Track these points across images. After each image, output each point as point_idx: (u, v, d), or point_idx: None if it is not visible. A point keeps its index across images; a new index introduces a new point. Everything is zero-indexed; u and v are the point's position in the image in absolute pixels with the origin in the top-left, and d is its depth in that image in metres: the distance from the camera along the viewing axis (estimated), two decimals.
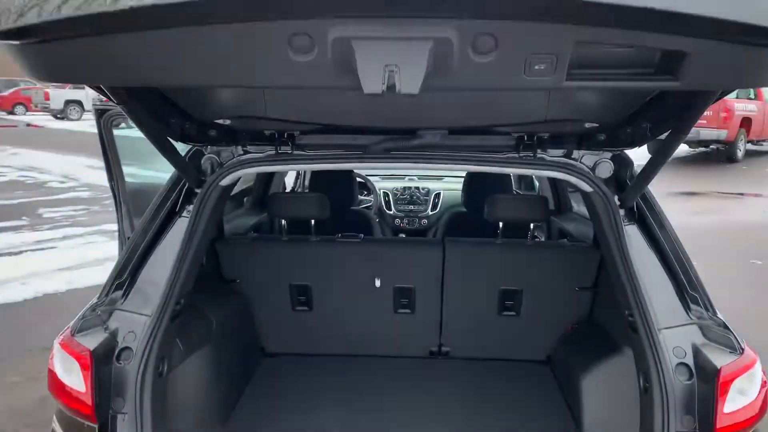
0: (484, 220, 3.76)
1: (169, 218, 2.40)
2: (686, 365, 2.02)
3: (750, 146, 17.79)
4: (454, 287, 3.20)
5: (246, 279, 3.29)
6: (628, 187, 2.28)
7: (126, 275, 2.27)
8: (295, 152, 2.39)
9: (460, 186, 6.00)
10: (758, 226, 9.83)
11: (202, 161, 2.44)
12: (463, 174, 6.50)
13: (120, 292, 2.25)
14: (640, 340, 2.11)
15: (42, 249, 7.97)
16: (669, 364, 2.01)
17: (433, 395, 3.04)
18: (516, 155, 2.35)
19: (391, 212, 5.63)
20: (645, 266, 2.18)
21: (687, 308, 2.13)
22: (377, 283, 2.85)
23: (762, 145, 18.66)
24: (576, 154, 2.38)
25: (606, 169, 2.33)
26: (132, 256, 2.30)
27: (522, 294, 3.20)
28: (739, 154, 16.78)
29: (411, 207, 5.64)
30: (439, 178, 6.34)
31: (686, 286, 2.16)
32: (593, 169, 2.34)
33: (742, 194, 12.74)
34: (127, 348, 2.13)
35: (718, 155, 17.27)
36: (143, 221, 2.40)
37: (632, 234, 2.25)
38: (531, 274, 3.17)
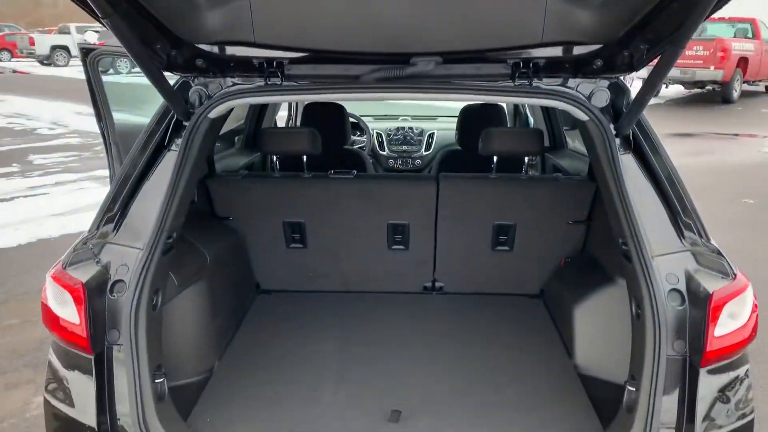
0: (479, 157, 3.73)
1: (158, 152, 2.36)
2: (678, 291, 2.03)
3: (746, 86, 17.64)
4: (448, 223, 3.19)
5: (239, 216, 3.27)
6: (624, 114, 2.25)
7: (116, 208, 2.24)
8: (285, 83, 2.33)
9: (454, 125, 5.97)
10: (752, 166, 9.84)
11: (189, 93, 2.38)
12: (457, 113, 6.45)
13: (111, 226, 2.23)
14: (634, 268, 2.11)
15: (34, 195, 7.92)
16: (662, 290, 2.01)
17: (427, 329, 3.07)
18: (511, 84, 2.30)
19: (385, 153, 5.58)
20: (640, 195, 2.17)
21: (681, 235, 2.12)
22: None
23: (758, 85, 18.51)
24: (572, 83, 2.33)
25: (602, 98, 2.29)
26: (122, 189, 2.27)
27: (515, 229, 3.19)
28: (735, 94, 16.66)
29: (405, 147, 5.58)
30: (433, 118, 6.27)
31: (680, 214, 2.15)
32: (589, 97, 2.29)
33: (737, 135, 12.70)
34: (120, 281, 2.12)
35: (714, 96, 17.15)
36: (132, 154, 2.36)
37: (628, 163, 2.23)
38: (525, 209, 3.16)
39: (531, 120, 4.93)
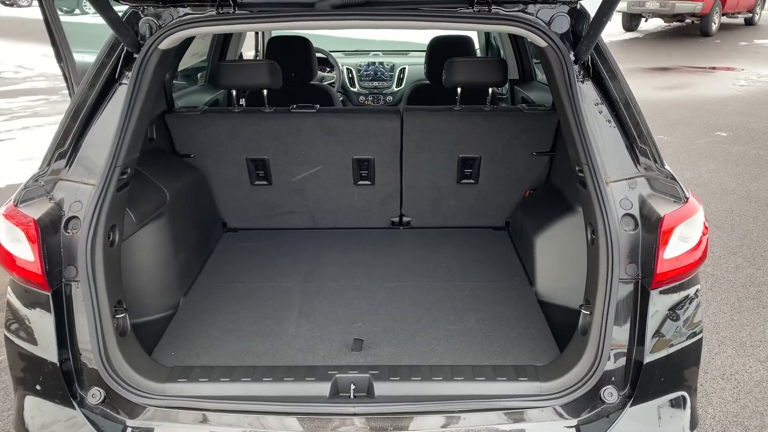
0: (447, 90, 3.68)
1: (108, 85, 2.29)
2: (632, 216, 2.05)
3: (725, 19, 17.50)
4: (414, 157, 3.18)
5: (200, 153, 3.23)
6: (581, 39, 2.22)
7: (68, 144, 2.20)
8: (238, 12, 2.26)
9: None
10: (727, 100, 9.86)
11: (139, 24, 2.30)
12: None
13: (63, 162, 2.19)
14: (589, 194, 2.12)
15: (1, 140, 7.74)
16: (615, 215, 2.04)
17: (392, 264, 3.10)
18: (470, 10, 2.25)
19: (355, 89, 5.50)
20: (597, 121, 2.16)
21: (636, 161, 2.13)
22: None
23: (737, 17, 18.36)
24: (532, 8, 2.29)
25: (562, 24, 2.25)
26: (73, 124, 2.22)
27: (480, 161, 3.19)
28: (713, 27, 16.53)
29: (375, 83, 5.51)
30: (405, 53, 6.17)
31: (636, 139, 2.15)
32: (549, 23, 2.25)
33: (714, 68, 12.68)
34: (74, 217, 2.10)
35: (693, 29, 17.00)
36: (81, 88, 2.29)
37: (586, 90, 2.21)
38: (489, 141, 3.15)
39: (502, 53, 4.86)
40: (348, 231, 3.43)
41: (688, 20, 16.78)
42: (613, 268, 2.02)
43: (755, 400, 3.23)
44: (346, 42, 6.36)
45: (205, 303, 2.76)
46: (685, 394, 2.10)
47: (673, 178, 2.12)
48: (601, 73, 2.25)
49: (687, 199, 2.05)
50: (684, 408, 2.09)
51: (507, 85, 4.61)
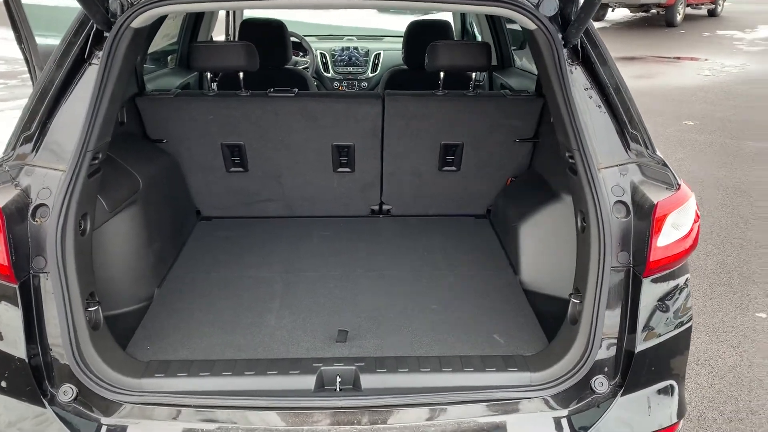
0: (426, 75, 3.61)
1: (77, 65, 2.16)
2: (623, 203, 2.02)
3: (689, 10, 17.78)
4: (395, 143, 3.11)
5: (174, 139, 3.11)
6: (571, 23, 2.17)
7: (34, 127, 2.06)
8: None
9: (401, 45, 5.79)
10: (692, 89, 10.01)
11: (110, 1, 2.17)
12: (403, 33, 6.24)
13: (29, 146, 2.05)
14: (580, 180, 2.08)
15: None
16: (607, 202, 2.00)
17: (374, 252, 3.03)
18: None
19: (329, 74, 5.40)
20: (587, 107, 2.12)
21: (627, 147, 2.10)
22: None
23: (700, 8, 18.68)
24: None
25: (551, 6, 2.19)
26: (39, 106, 2.08)
27: (463, 148, 3.14)
28: (678, 18, 16.78)
29: (350, 69, 5.41)
30: (379, 38, 6.08)
31: (627, 125, 2.12)
32: (537, 5, 2.20)
33: (678, 58, 12.88)
34: (42, 205, 1.97)
35: (658, 19, 17.24)
36: (48, 69, 2.16)
37: (576, 75, 2.16)
38: (472, 127, 3.10)
39: (479, 38, 4.81)
40: (326, 219, 3.35)
41: (653, 10, 17.00)
42: (605, 256, 1.99)
43: (729, 385, 3.27)
44: (318, 28, 6.23)
45: (181, 294, 2.65)
46: (674, 382, 2.09)
47: (665, 165, 2.10)
48: (591, 57, 2.21)
49: (679, 185, 2.02)
50: (672, 396, 2.08)
51: (485, 72, 4.57)
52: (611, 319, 2.00)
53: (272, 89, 3.10)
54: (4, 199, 1.92)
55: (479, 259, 2.97)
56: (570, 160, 2.17)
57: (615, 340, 2.01)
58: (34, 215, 1.97)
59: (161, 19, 3.11)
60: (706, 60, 12.57)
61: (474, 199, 3.36)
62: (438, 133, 3.11)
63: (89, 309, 2.04)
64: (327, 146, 3.12)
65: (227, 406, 1.93)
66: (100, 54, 2.15)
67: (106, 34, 2.16)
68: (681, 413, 2.10)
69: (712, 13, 18.89)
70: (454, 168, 3.20)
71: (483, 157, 3.18)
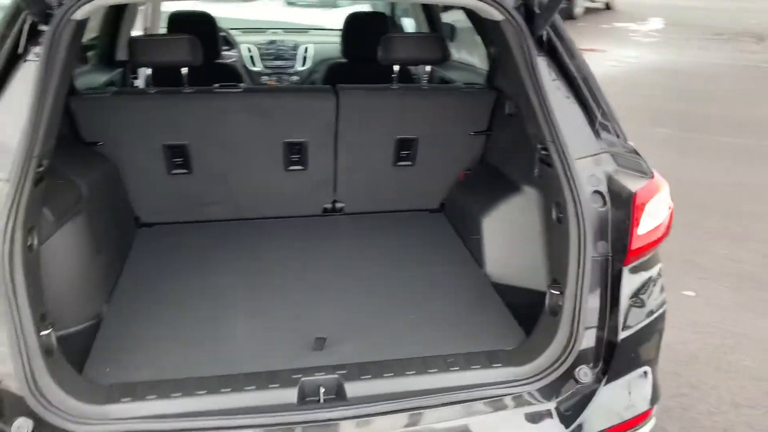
0: (367, 70, 3.54)
1: (10, 63, 1.94)
2: (600, 192, 2.03)
3: (588, 3, 18.60)
4: (349, 139, 3.01)
5: (110, 141, 2.87)
6: (538, 13, 2.16)
7: None
8: None
9: (329, 39, 5.67)
10: (601, 80, 10.42)
11: None
12: (333, 26, 6.11)
13: None
14: (555, 172, 2.08)
15: None
16: (585, 193, 2.01)
17: (333, 253, 2.93)
18: None
19: (257, 68, 5.20)
20: (556, 98, 2.12)
21: (598, 137, 2.11)
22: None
23: (596, 2, 19.57)
24: None
25: None
26: None
27: (418, 142, 3.09)
28: (578, 11, 17.51)
29: (279, 63, 5.23)
30: (304, 31, 5.93)
31: (597, 116, 2.13)
32: None
33: (582, 50, 13.38)
34: None
35: (559, 12, 17.89)
36: None
37: (542, 66, 2.16)
38: (427, 121, 3.05)
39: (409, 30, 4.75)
40: (277, 220, 3.21)
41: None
42: (586, 246, 1.99)
43: (667, 361, 3.41)
44: (240, 22, 5.99)
45: (134, 309, 2.46)
46: (649, 368, 2.14)
47: (637, 153, 2.13)
48: (557, 48, 2.21)
49: (653, 174, 2.06)
50: (648, 382, 2.13)
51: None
52: (592, 308, 2.02)
53: (217, 84, 2.93)
54: None
55: (441, 253, 2.94)
56: (543, 152, 2.16)
57: (595, 330, 2.03)
58: None
59: None
60: (604, 51, 13.16)
61: (428, 193, 3.33)
62: (393, 127, 3.04)
63: (42, 333, 1.84)
64: (278, 144, 2.99)
65: (208, 428, 1.79)
66: (36, 49, 1.94)
67: (42, 27, 1.95)
68: (656, 398, 2.15)
69: (608, 6, 19.85)
70: (409, 163, 3.15)
71: (437, 151, 3.14)
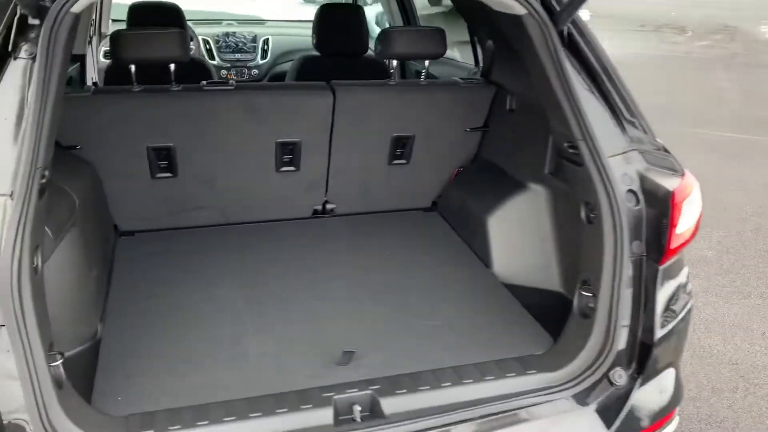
0: (343, 65, 3.41)
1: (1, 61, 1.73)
2: (633, 192, 2.00)
3: None
4: (344, 138, 2.87)
5: (88, 144, 2.62)
6: (561, 8, 2.10)
7: None
8: None
9: (289, 30, 5.47)
10: None
11: None
12: (290, 17, 5.91)
13: None
14: (587, 171, 2.03)
15: None
16: (621, 192, 1.97)
17: (328, 258, 2.80)
18: None
19: (215, 62, 4.96)
20: (581, 94, 2.07)
21: (626, 134, 2.08)
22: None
23: None
24: None
25: None
26: None
27: (414, 140, 2.99)
28: None
29: (238, 55, 5.01)
30: (261, 22, 5.70)
31: (623, 112, 2.10)
32: None
33: None
34: None
35: None
36: None
37: (567, 61, 2.10)
38: (424, 118, 2.95)
39: (388, 25, 4.61)
40: (265, 225, 3.04)
41: None
42: (623, 247, 1.96)
43: None
44: (192, 13, 5.69)
45: (132, 328, 2.26)
46: (675, 368, 2.14)
47: (666, 151, 2.11)
48: (577, 42, 2.16)
49: (684, 172, 2.05)
50: (674, 382, 2.13)
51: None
52: (627, 310, 1.99)
53: (206, 82, 2.74)
54: None
55: (444, 254, 2.86)
56: (570, 150, 2.11)
57: (630, 331, 2.01)
58: None
59: None
60: None
61: (421, 192, 3.24)
62: (389, 124, 2.93)
63: (52, 364, 1.64)
64: (270, 144, 2.82)
65: None
66: (26, 47, 1.73)
67: (31, 21, 1.74)
68: (680, 397, 2.16)
69: None
70: (404, 161, 3.04)
71: (433, 149, 3.05)
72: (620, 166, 2.02)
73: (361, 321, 2.34)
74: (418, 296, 2.51)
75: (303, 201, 3.08)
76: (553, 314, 2.41)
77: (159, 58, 2.57)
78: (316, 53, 3.61)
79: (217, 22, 5.47)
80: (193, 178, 2.83)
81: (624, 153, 2.05)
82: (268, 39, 5.12)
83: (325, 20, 3.58)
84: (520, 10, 2.07)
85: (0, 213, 1.56)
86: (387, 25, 4.81)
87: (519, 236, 2.67)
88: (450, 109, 2.96)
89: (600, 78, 2.12)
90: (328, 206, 3.14)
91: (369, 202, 3.19)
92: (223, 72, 4.92)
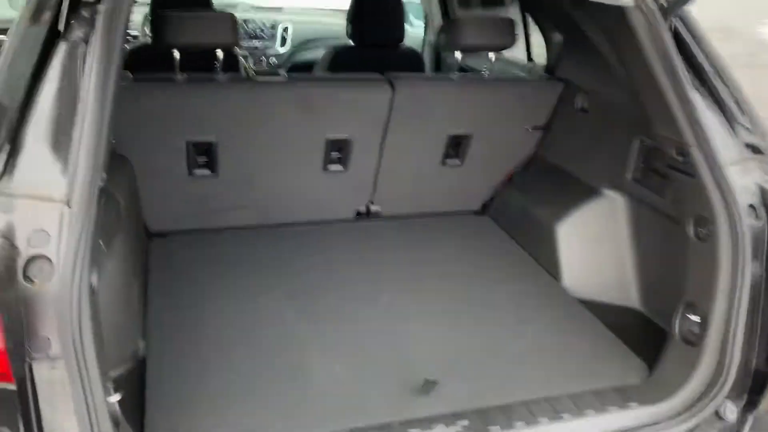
0: (378, 55, 3.17)
1: (48, 45, 1.47)
2: (753, 207, 1.80)
3: None
4: (398, 135, 2.62)
5: (124, 138, 2.35)
6: (669, 2, 1.88)
7: (2, 136, 1.35)
8: None
9: (310, 18, 5.19)
10: None
11: None
12: (310, 5, 5.63)
13: None
14: (700, 182, 1.82)
15: None
16: (743, 206, 1.76)
17: (380, 267, 2.55)
18: None
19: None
20: (693, 95, 1.85)
21: (741, 141, 1.87)
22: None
23: None
24: None
25: None
26: (4, 110, 1.37)
27: (471, 139, 2.75)
28: None
29: (256, 43, 4.74)
30: (277, 9, 5.41)
31: (736, 116, 1.89)
32: None
33: None
34: (38, 257, 1.30)
35: None
36: (6, 52, 1.44)
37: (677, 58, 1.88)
38: (484, 115, 2.71)
39: (425, 8, 4.33)
40: (306, 227, 2.80)
41: None
42: (744, 268, 1.75)
43: None
44: None
45: (178, 345, 2.01)
46: None
47: None
48: (683, 38, 1.94)
49: None
50: None
51: (427, 48, 4.20)
52: (742, 336, 1.79)
53: (255, 72, 2.48)
54: None
55: (506, 264, 2.63)
56: (679, 158, 1.90)
57: (743, 360, 1.80)
58: (25, 273, 1.29)
59: None
60: None
61: (471, 194, 3.01)
62: (446, 122, 2.68)
63: (109, 399, 1.40)
64: (319, 141, 2.57)
65: None
66: (81, 30, 1.48)
67: None
68: None
69: None
70: (458, 161, 2.80)
71: (489, 149, 2.81)
72: (739, 177, 1.81)
73: (436, 342, 2.11)
74: (493, 314, 2.28)
75: (346, 202, 2.84)
76: (634, 334, 2.21)
77: (208, 44, 2.31)
78: (341, 42, 3.35)
79: (233, 7, 5.18)
80: (233, 175, 2.58)
81: (741, 162, 1.84)
82: (287, 27, 4.85)
83: (363, 9, 3.32)
84: (627, 1, 1.85)
85: (56, 224, 1.31)
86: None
87: (592, 247, 2.45)
88: (512, 106, 2.73)
89: (710, 78, 1.91)
90: (373, 208, 2.90)
91: (415, 204, 2.95)
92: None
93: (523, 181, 2.89)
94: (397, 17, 3.33)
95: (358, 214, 2.90)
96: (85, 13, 1.52)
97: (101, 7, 1.49)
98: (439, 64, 4.02)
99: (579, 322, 2.27)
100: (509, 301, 2.36)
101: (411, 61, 3.37)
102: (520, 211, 2.80)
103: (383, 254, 2.64)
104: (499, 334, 2.16)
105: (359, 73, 2.64)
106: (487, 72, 2.68)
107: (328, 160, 2.64)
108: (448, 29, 2.56)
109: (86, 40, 1.48)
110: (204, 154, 2.49)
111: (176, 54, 2.29)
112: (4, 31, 3.21)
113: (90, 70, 1.42)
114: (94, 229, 1.37)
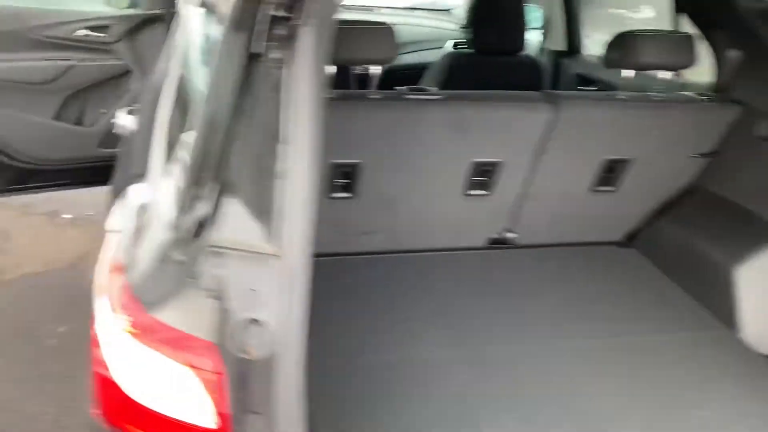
0: (497, 63, 2.94)
1: (248, 69, 1.28)
2: None
3: None
4: (550, 158, 2.38)
5: None
6: None
7: (209, 182, 1.17)
8: None
9: (407, 20, 4.95)
10: None
11: None
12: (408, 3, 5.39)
13: (203, 215, 1.16)
14: None
15: None
16: None
17: (527, 304, 2.32)
18: None
19: None
20: None
21: None
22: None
23: None
24: None
25: None
26: (209, 146, 1.18)
27: (628, 164, 2.48)
28: None
29: None
30: (368, 9, 5.17)
31: None
32: None
33: None
34: (251, 321, 1.12)
35: None
36: (219, 79, 1.26)
37: None
38: (645, 139, 2.44)
39: (541, 12, 4.06)
40: (438, 254, 2.59)
41: None
42: None
43: None
44: None
45: (333, 389, 1.82)
46: None
47: None
48: None
49: None
50: None
51: (545, 57, 3.92)
52: None
53: (408, 88, 2.28)
54: (202, 319, 1.05)
55: (667, 307, 2.36)
56: None
57: None
58: (238, 341, 1.10)
59: None
60: None
61: (615, 224, 2.75)
62: (606, 145, 2.43)
63: None
64: (464, 163, 2.35)
65: None
66: (279, 48, 1.28)
67: (283, 13, 1.29)
68: None
69: None
70: (610, 188, 2.54)
71: (645, 176, 2.54)
72: None
73: (608, 401, 1.87)
74: (666, 370, 2.03)
75: (481, 228, 2.62)
76: None
77: (372, 60, 2.12)
78: (447, 47, 3.11)
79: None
80: (371, 199, 2.38)
81: None
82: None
83: (485, 15, 3.08)
84: None
85: (275, 284, 1.13)
86: None
87: None
88: (677, 130, 2.45)
89: None
90: (509, 235, 2.66)
91: (555, 233, 2.71)
92: None
93: (683, 214, 2.60)
94: (519, 24, 3.09)
95: (493, 241, 2.67)
96: (282, 31, 1.33)
97: (306, 27, 1.30)
98: (558, 74, 3.75)
99: (764, 383, 2.00)
100: (681, 355, 2.10)
101: (531, 70, 3.13)
102: (681, 247, 2.52)
103: (534, 292, 2.41)
104: (683, 396, 1.91)
105: (514, 90, 2.41)
106: (656, 93, 2.41)
107: (470, 184, 2.41)
108: (620, 45, 2.30)
109: (289, 64, 1.29)
110: (345, 177, 2.30)
111: (350, 70, 2.13)
112: (97, 28, 3.06)
113: (296, 97, 1.23)
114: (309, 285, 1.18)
